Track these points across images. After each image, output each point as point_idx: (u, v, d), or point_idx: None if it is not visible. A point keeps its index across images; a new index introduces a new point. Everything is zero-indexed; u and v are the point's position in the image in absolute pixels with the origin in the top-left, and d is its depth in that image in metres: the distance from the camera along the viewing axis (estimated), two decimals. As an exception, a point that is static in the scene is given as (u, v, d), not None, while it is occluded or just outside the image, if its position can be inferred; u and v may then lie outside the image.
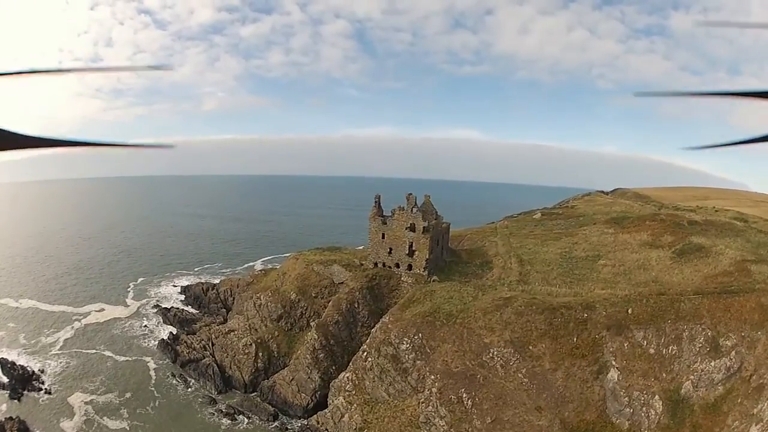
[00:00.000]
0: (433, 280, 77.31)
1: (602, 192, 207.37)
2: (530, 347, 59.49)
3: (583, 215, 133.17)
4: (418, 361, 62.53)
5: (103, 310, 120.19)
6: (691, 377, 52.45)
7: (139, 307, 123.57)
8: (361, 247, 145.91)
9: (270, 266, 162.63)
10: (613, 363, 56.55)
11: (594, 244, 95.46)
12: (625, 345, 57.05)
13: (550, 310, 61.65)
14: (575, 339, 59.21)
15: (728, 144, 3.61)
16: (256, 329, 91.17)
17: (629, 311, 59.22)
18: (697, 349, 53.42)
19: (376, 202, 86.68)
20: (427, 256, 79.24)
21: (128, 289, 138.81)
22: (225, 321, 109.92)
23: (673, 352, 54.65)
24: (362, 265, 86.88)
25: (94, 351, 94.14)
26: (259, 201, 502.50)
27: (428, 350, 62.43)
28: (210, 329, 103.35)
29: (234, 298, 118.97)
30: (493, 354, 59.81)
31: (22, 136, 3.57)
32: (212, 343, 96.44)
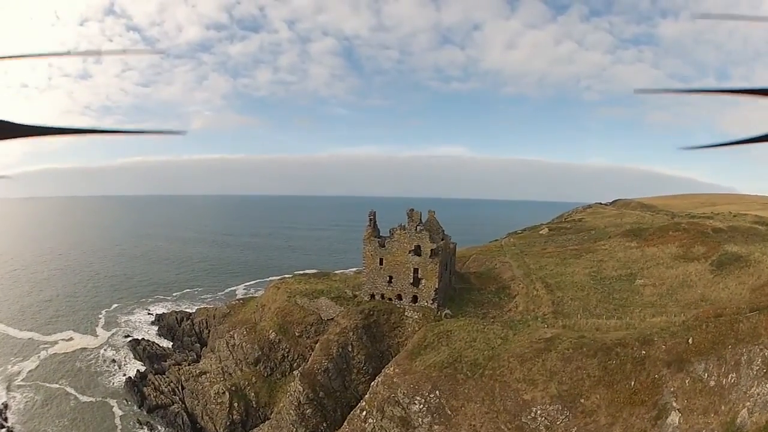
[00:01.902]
0: (446, 315, 61.00)
1: (600, 204, 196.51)
2: (582, 401, 44.65)
3: (594, 228, 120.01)
4: (436, 426, 46.56)
5: (71, 339, 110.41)
6: (747, 404, 40.15)
7: (109, 337, 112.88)
8: (353, 270, 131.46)
9: (253, 291, 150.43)
10: (674, 404, 43.28)
11: (622, 261, 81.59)
12: (687, 381, 43.79)
13: (603, 351, 46.96)
14: (632, 383, 45.12)
15: (725, 144, 3.51)
16: (230, 373, 74.97)
17: (690, 341, 45.90)
18: (754, 373, 41.39)
19: (370, 220, 69.62)
20: (437, 285, 62.76)
21: (100, 317, 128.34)
22: (198, 358, 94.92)
23: (732, 381, 42.14)
24: (356, 296, 69.64)
25: (57, 386, 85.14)
26: (243, 222, 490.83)
27: (449, 412, 46.49)
28: (180, 369, 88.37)
29: (209, 331, 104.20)
30: (535, 413, 44.38)
31: (22, 125, 3.27)
32: (182, 386, 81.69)
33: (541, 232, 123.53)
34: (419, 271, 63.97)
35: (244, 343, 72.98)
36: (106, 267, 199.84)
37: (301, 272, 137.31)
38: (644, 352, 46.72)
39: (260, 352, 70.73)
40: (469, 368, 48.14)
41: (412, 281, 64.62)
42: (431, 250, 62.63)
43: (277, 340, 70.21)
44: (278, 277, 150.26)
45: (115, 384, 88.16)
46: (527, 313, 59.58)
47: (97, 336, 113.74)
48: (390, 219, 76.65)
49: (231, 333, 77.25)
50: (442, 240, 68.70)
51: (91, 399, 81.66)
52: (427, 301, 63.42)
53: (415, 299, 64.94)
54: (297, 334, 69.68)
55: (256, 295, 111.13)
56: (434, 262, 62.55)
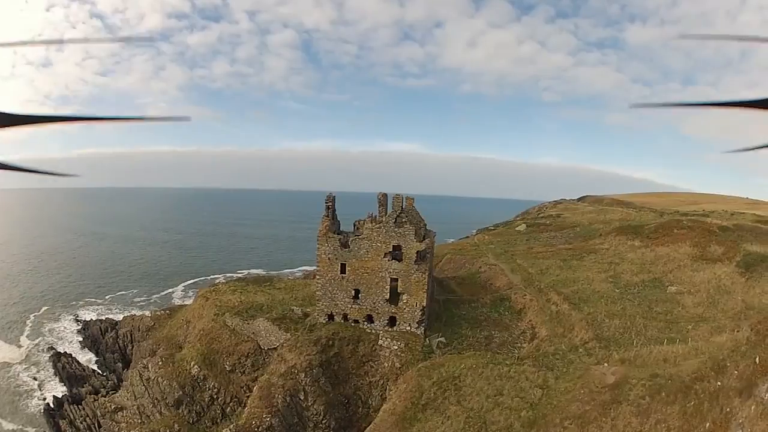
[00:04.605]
0: (438, 344, 41.29)
1: (566, 200, 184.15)
2: (659, 464, 27.65)
3: (577, 225, 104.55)
4: None
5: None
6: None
7: (31, 349, 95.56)
8: (302, 271, 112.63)
9: (191, 294, 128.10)
10: (739, 437, 27.65)
11: (638, 264, 66.49)
12: (752, 408, 27.88)
13: (683, 392, 30.27)
14: (708, 424, 28.88)
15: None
16: (147, 415, 53.71)
17: (757, 360, 30.24)
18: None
19: (328, 207, 48.33)
20: (424, 303, 42.74)
21: (27, 322, 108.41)
22: (118, 383, 73.95)
23: (783, 397, 28.24)
24: (307, 316, 48.90)
25: (-25, 407, 71.61)
26: (190, 215, 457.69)
27: None
28: (96, 401, 68.44)
29: (133, 347, 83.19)
30: None
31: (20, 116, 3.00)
32: (98, 423, 61.68)
33: (517, 229, 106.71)
34: (399, 283, 43.95)
35: (160, 378, 51.48)
36: (42, 264, 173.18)
37: (242, 273, 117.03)
38: (719, 383, 30.63)
39: (181, 392, 49.49)
40: (497, 443, 28.98)
41: (388, 297, 44.46)
42: (417, 252, 42.63)
43: (202, 377, 49.03)
44: (220, 276, 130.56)
45: (32, 409, 73.07)
46: (557, 339, 40.52)
47: (20, 346, 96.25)
48: (343, 215, 57.31)
49: (144, 362, 55.80)
50: (425, 238, 48.85)
51: (9, 425, 68.46)
52: (410, 325, 43.49)
53: (392, 322, 44.78)
54: (228, 368, 48.60)
55: (190, 302, 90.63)
56: (421, 269, 42.62)
